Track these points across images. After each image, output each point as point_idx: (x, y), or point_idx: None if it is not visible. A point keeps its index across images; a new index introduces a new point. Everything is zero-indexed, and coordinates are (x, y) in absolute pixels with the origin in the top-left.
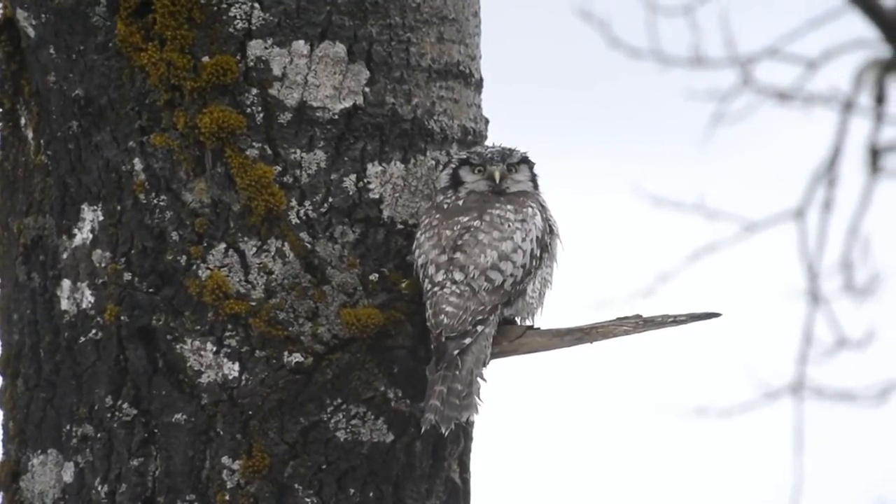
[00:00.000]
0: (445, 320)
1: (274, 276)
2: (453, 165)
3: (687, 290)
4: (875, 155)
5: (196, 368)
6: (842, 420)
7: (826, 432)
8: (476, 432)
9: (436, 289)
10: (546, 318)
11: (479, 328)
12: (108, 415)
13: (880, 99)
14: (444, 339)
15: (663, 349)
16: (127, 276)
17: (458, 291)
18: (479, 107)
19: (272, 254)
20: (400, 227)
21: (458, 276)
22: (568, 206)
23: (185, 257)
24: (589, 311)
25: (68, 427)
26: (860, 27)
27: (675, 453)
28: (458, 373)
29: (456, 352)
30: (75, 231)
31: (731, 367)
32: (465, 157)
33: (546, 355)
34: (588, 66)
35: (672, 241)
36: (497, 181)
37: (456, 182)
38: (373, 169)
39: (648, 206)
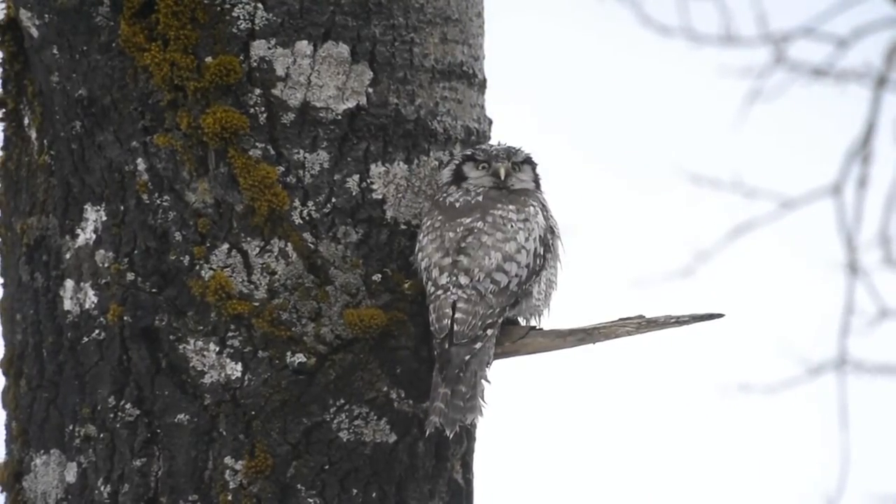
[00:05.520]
0: (456, 327)
1: (277, 276)
2: (457, 161)
3: (726, 268)
4: None
5: (199, 369)
6: (885, 394)
7: (870, 406)
8: (479, 433)
9: (439, 292)
10: (587, 292)
11: (489, 332)
12: (111, 415)
13: None
14: (447, 346)
15: (702, 326)
16: (130, 276)
17: (465, 296)
18: (482, 107)
19: (275, 254)
20: (403, 227)
21: (463, 280)
22: (603, 185)
23: (188, 257)
24: (629, 290)
25: (71, 427)
26: (886, 8)
27: (718, 430)
28: (462, 375)
29: (467, 357)
30: (78, 231)
31: (773, 343)
32: (469, 153)
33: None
34: (619, 45)
35: (710, 219)
36: (502, 178)
37: (459, 178)
38: (376, 169)
39: (686, 184)
